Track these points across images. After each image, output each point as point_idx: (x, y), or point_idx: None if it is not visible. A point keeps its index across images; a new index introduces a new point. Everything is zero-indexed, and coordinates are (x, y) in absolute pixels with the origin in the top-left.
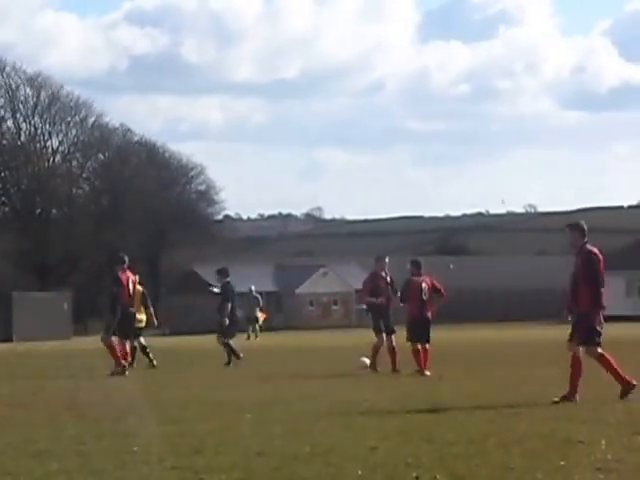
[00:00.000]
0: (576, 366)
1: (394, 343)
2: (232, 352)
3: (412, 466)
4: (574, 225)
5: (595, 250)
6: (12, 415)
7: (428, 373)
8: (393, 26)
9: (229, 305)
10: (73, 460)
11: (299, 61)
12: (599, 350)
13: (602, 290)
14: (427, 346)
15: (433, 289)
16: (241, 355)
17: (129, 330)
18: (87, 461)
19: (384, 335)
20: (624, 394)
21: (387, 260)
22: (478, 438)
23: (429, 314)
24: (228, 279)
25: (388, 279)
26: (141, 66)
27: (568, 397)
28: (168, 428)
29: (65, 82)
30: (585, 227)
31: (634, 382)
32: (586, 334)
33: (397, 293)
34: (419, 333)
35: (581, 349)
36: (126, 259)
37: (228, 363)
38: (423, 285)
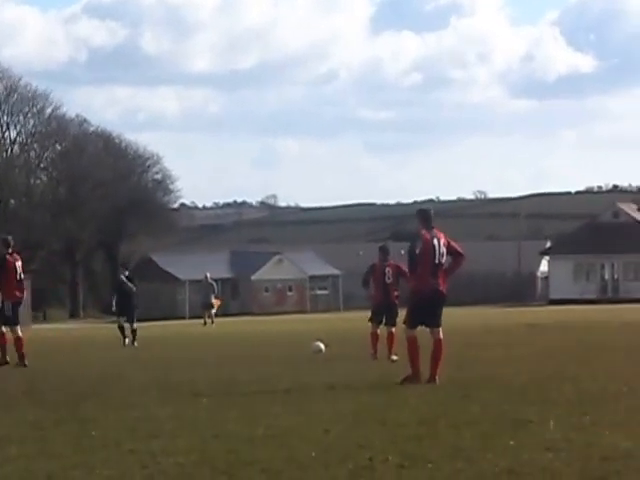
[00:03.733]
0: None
1: None
2: (122, 335)
3: (365, 447)
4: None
5: (422, 234)
6: None
7: (395, 357)
8: (346, 17)
9: (114, 295)
10: (32, 445)
11: (254, 52)
12: (409, 332)
13: (417, 274)
14: (393, 330)
15: (397, 273)
16: (126, 342)
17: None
18: (46, 446)
19: None
20: (406, 380)
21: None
22: (429, 420)
23: (394, 298)
24: (123, 274)
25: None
26: (99, 58)
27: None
28: (126, 413)
29: (24, 74)
30: (423, 214)
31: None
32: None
33: None
34: (381, 317)
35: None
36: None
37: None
38: (387, 269)
